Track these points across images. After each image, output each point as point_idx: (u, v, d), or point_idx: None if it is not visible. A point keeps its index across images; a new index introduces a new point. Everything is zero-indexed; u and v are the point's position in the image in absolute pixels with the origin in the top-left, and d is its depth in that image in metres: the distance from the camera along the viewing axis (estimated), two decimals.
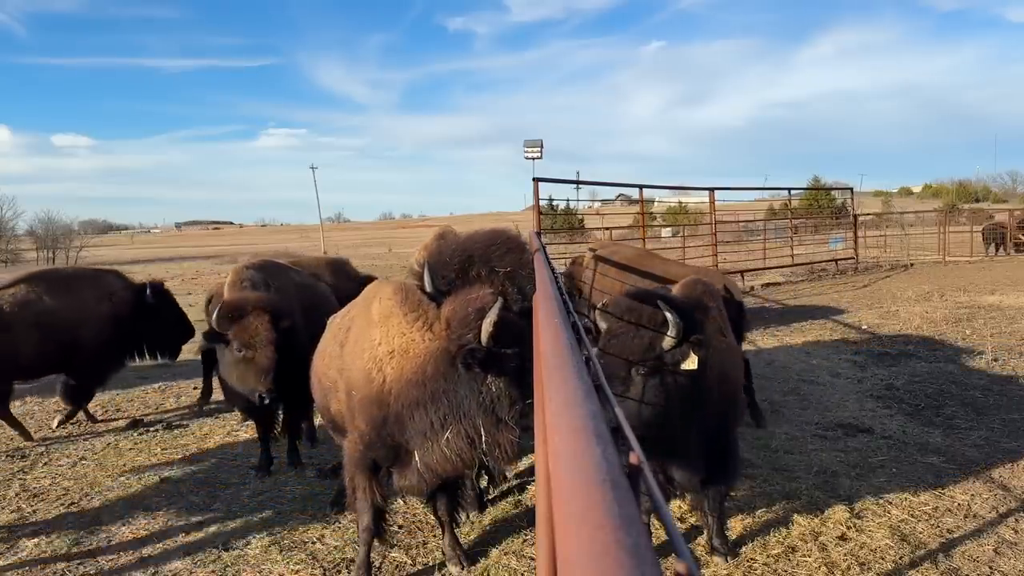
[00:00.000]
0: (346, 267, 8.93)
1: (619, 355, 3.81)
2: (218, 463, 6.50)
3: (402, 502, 5.34)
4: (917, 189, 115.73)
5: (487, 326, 3.63)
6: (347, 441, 4.25)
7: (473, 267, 4.64)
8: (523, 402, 3.72)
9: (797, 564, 4.24)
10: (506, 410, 3.74)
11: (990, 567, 4.12)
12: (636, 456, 1.15)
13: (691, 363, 3.80)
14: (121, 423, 7.85)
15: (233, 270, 6.38)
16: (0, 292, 7.21)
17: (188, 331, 8.26)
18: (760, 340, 11.12)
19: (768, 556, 4.35)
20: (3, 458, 6.77)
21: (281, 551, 4.69)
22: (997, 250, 24.99)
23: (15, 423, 7.33)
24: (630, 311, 3.92)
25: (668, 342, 3.78)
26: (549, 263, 5.25)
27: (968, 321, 11.83)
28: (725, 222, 21.47)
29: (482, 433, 3.81)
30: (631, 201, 30.31)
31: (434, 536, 4.82)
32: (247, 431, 7.22)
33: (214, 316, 5.41)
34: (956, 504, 4.94)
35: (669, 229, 39.46)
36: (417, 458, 3.95)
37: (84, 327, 7.39)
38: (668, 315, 3.78)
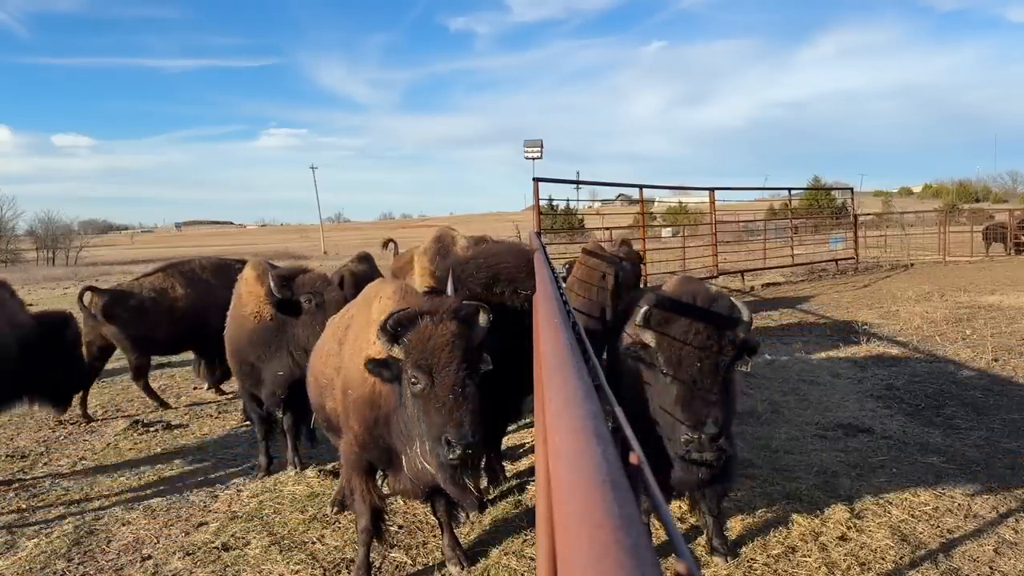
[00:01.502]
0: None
1: (699, 367, 3.57)
2: (218, 463, 6.50)
3: (402, 502, 5.34)
4: (917, 189, 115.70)
5: (380, 331, 3.50)
6: (343, 442, 4.25)
7: (498, 285, 4.81)
8: (440, 433, 3.35)
9: (797, 564, 4.24)
10: (423, 433, 3.49)
11: (990, 567, 4.11)
12: (636, 456, 1.15)
13: (747, 365, 3.72)
14: (121, 423, 7.85)
15: (253, 264, 6.32)
16: (142, 280, 8.44)
17: None
18: (760, 340, 11.11)
19: (768, 556, 4.35)
20: (3, 458, 6.77)
21: (281, 551, 4.69)
22: (1006, 249, 24.86)
23: (153, 394, 8.50)
24: (697, 317, 3.68)
25: (739, 343, 3.66)
26: (549, 263, 5.25)
27: (968, 321, 11.83)
28: (725, 222, 21.46)
29: (419, 452, 3.65)
30: (631, 201, 30.28)
31: (434, 536, 4.82)
32: (247, 431, 7.23)
33: (343, 276, 5.81)
34: (956, 504, 4.94)
35: (669, 229, 39.42)
36: (404, 463, 3.92)
37: (212, 312, 8.00)
38: (743, 313, 3.71)
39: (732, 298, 3.77)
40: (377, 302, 4.12)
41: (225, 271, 8.38)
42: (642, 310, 3.74)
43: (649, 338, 3.68)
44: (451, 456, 3.34)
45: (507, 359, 4.34)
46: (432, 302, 3.79)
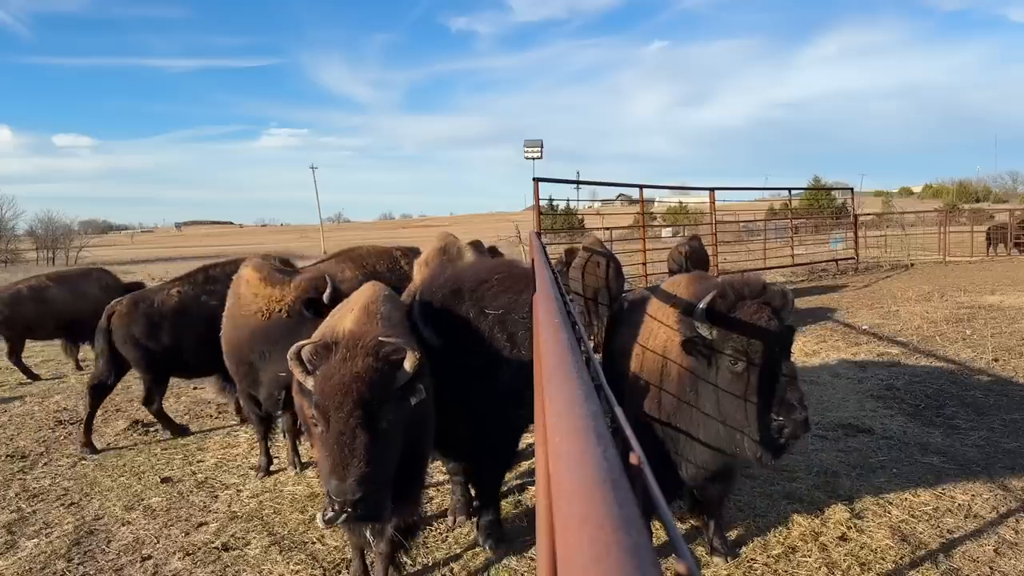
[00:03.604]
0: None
1: (773, 354, 3.63)
2: (218, 463, 6.50)
3: None
4: (918, 189, 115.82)
5: (293, 360, 3.24)
6: (313, 448, 4.16)
7: (462, 304, 4.38)
8: (325, 483, 3.06)
9: (797, 564, 4.24)
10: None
11: (990, 567, 4.11)
12: (636, 456, 1.15)
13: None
14: (121, 423, 7.85)
15: (255, 264, 6.27)
16: (317, 266, 8.78)
17: None
18: None
19: (768, 556, 4.35)
20: (3, 458, 6.77)
21: (281, 551, 4.69)
22: (1007, 249, 24.83)
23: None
24: (759, 307, 3.68)
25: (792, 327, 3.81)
26: (549, 263, 5.24)
27: (968, 321, 11.82)
28: (725, 222, 21.48)
29: None
30: (631, 201, 30.30)
31: (434, 535, 4.82)
32: (247, 431, 7.23)
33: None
34: (956, 504, 4.94)
35: (669, 229, 39.44)
36: None
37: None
38: (790, 297, 3.79)
39: (774, 283, 3.87)
40: (351, 314, 3.89)
41: (388, 258, 8.57)
42: (703, 304, 3.69)
43: (714, 332, 3.67)
44: (330, 513, 3.03)
45: (471, 380, 4.21)
46: (357, 333, 3.37)
